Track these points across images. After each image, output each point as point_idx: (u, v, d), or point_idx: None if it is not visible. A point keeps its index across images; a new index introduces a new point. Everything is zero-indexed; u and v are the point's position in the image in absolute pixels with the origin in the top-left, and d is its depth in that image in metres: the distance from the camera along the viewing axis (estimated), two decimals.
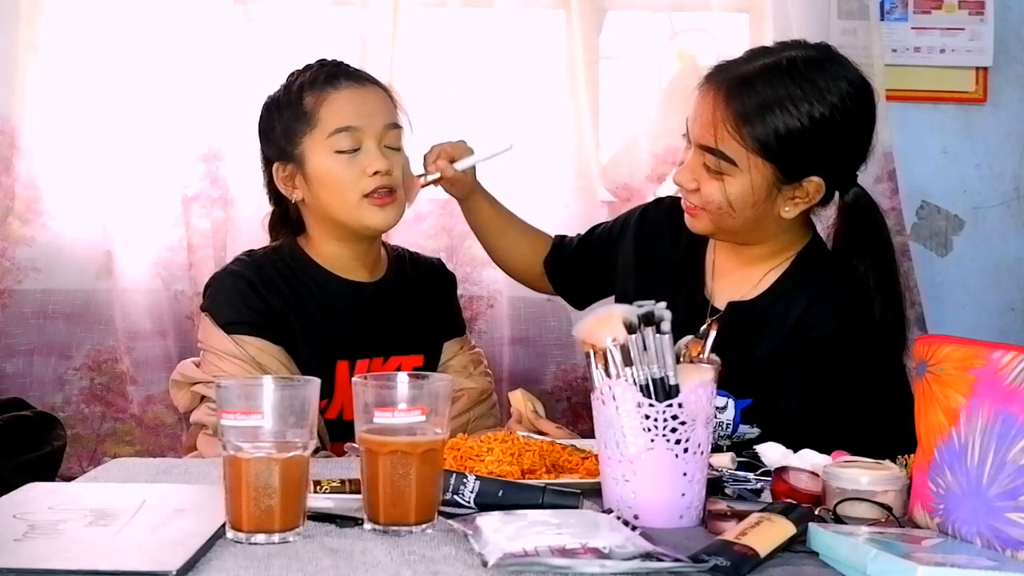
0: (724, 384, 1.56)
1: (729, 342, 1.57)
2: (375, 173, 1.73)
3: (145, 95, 2.67)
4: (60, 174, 2.70)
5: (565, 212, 2.75)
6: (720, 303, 1.73)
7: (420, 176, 1.88)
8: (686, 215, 1.72)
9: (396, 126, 1.79)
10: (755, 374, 1.62)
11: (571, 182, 2.77)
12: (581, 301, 2.03)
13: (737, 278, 1.73)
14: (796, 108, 1.58)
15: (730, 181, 1.61)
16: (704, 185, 1.64)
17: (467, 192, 1.96)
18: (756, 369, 1.63)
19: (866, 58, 2.78)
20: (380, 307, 1.83)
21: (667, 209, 1.87)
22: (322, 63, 1.82)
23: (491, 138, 1.89)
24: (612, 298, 1.92)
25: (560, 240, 2.04)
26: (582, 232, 2.03)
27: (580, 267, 1.99)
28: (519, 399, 1.71)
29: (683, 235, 1.77)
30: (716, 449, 1.58)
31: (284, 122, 1.78)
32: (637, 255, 1.86)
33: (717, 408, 1.60)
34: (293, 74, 1.82)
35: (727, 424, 1.61)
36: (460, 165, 1.88)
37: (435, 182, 1.89)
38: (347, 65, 1.83)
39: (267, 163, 1.83)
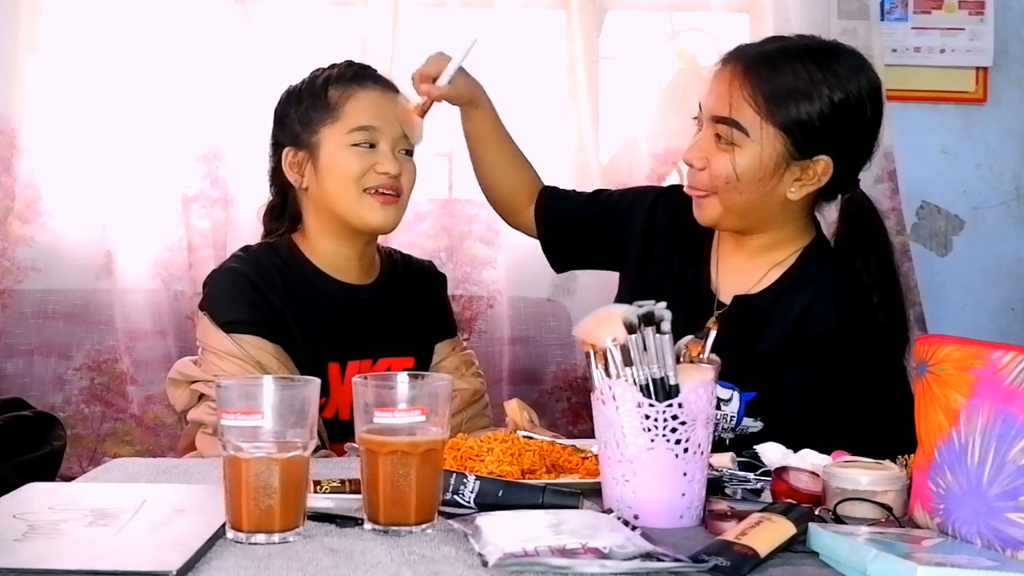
0: (728, 377, 1.56)
1: (733, 336, 1.58)
2: (383, 173, 1.75)
3: (145, 95, 2.67)
4: (60, 174, 2.70)
5: None
6: (725, 297, 1.74)
7: (415, 108, 1.83)
8: (694, 206, 1.73)
9: None
10: (759, 368, 1.63)
11: (571, 182, 2.76)
12: (563, 261, 1.99)
13: (741, 272, 1.74)
14: (815, 85, 1.62)
15: (740, 152, 1.63)
16: (714, 160, 1.65)
17: (467, 100, 1.90)
18: (760, 363, 1.63)
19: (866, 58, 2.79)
20: (372, 310, 1.83)
21: (678, 201, 1.83)
22: (350, 63, 1.85)
23: (457, 42, 1.84)
24: (610, 298, 1.91)
25: (552, 190, 1.98)
26: (577, 189, 1.99)
27: (577, 227, 1.94)
28: (514, 408, 1.71)
29: (689, 228, 1.77)
30: (719, 443, 1.59)
31: (303, 110, 1.80)
32: (644, 246, 1.85)
33: (722, 400, 1.61)
34: (319, 69, 1.84)
35: (731, 417, 1.62)
36: (442, 80, 1.83)
37: (429, 106, 1.83)
38: (374, 69, 1.86)
39: (276, 148, 1.84)
